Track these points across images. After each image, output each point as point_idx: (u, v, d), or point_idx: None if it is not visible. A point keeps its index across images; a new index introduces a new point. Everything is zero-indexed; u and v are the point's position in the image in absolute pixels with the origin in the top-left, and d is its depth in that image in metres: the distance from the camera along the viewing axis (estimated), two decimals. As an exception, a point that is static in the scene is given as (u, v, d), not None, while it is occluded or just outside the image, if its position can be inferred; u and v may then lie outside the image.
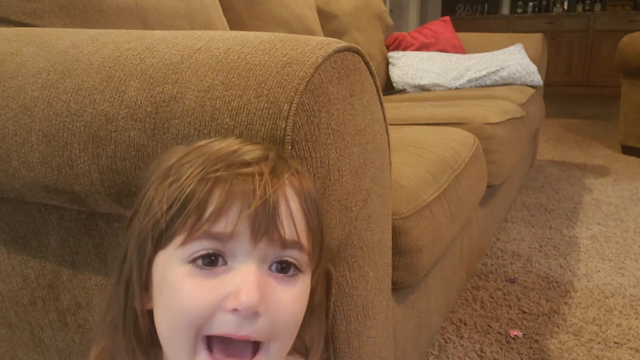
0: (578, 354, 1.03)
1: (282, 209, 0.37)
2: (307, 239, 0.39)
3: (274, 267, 0.38)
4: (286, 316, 0.37)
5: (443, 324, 1.15)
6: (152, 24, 0.91)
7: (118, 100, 0.50)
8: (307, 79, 0.45)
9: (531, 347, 1.06)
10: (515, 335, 1.10)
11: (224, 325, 0.36)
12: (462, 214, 0.93)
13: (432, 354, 1.04)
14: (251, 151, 0.39)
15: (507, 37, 2.46)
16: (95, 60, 0.54)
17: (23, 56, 0.58)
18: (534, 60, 2.26)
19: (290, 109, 0.44)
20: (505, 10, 5.99)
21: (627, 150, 2.75)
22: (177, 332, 0.37)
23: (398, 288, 0.75)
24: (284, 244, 0.37)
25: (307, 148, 0.45)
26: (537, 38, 2.40)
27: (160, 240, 0.38)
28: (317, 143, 0.46)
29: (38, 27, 0.75)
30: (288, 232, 0.37)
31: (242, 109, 0.45)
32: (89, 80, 0.53)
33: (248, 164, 0.37)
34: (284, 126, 0.44)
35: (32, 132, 0.54)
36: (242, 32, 0.54)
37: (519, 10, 5.89)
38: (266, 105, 0.45)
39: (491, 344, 1.07)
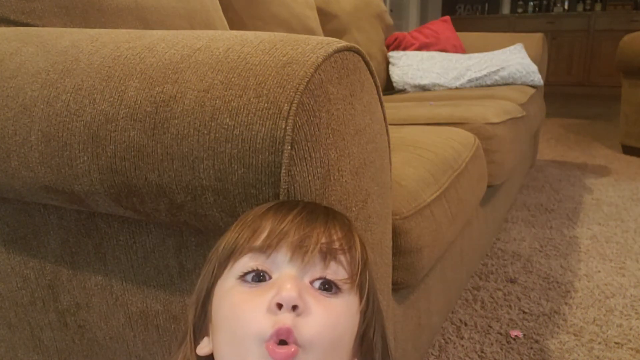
0: (579, 355, 1.03)
1: (318, 225, 0.41)
2: (345, 260, 0.42)
3: (316, 284, 0.40)
4: (321, 327, 0.38)
5: (443, 324, 1.15)
6: (151, 23, 0.91)
7: (118, 100, 0.50)
8: (307, 79, 0.45)
9: (532, 348, 1.06)
10: (516, 336, 1.10)
11: (273, 325, 0.38)
12: (462, 214, 0.93)
13: (432, 354, 1.04)
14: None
15: (508, 36, 2.45)
16: (94, 60, 0.54)
17: (23, 56, 0.58)
18: (534, 60, 2.26)
19: (290, 108, 0.44)
20: (506, 10, 5.99)
21: (628, 150, 2.75)
22: (238, 346, 0.39)
23: (398, 288, 0.75)
24: (323, 255, 0.40)
25: (307, 148, 0.45)
26: (537, 38, 2.40)
27: (219, 270, 0.43)
28: (317, 143, 0.46)
29: (38, 26, 0.75)
30: (329, 247, 0.40)
31: (242, 109, 0.45)
32: (88, 80, 0.52)
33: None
34: (284, 126, 0.44)
35: (31, 132, 0.54)
36: (242, 32, 0.53)
37: (520, 10, 5.88)
38: (266, 105, 0.45)
39: (491, 344, 1.07)
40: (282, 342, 0.37)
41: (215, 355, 0.41)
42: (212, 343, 0.42)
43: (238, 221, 0.44)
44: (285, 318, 0.37)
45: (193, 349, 0.44)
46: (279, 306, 0.38)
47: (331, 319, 0.39)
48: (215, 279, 0.43)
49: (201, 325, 0.44)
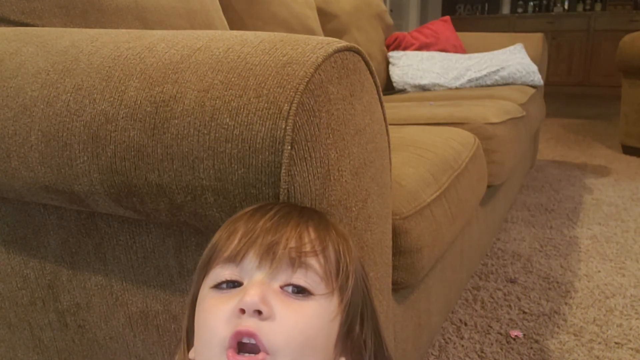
0: (579, 355, 1.03)
1: (288, 229, 0.41)
2: (318, 262, 0.41)
3: (287, 288, 0.40)
4: (289, 331, 0.38)
5: (443, 324, 1.15)
6: (151, 23, 0.91)
7: (118, 100, 0.50)
8: (307, 79, 0.45)
9: (532, 348, 1.06)
10: (516, 336, 1.10)
11: (233, 328, 0.38)
12: (462, 214, 0.93)
13: (432, 354, 1.04)
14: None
15: (508, 36, 2.45)
16: (94, 60, 0.54)
17: (22, 56, 0.58)
18: (534, 60, 2.26)
19: (290, 108, 0.44)
20: (506, 9, 5.99)
21: (628, 150, 2.75)
22: (208, 353, 0.39)
23: (398, 288, 0.75)
24: (293, 260, 0.40)
25: (307, 148, 0.45)
26: (537, 38, 2.40)
27: (199, 278, 0.44)
28: (317, 143, 0.46)
29: (37, 26, 0.75)
30: (299, 252, 0.40)
31: (242, 109, 0.45)
32: (88, 80, 0.52)
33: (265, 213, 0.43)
34: (284, 126, 0.44)
35: (31, 132, 0.54)
36: (242, 32, 0.53)
37: (520, 10, 5.88)
38: (266, 105, 0.45)
39: (491, 344, 1.07)
40: (245, 351, 0.37)
41: None
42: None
43: (222, 226, 0.44)
44: (248, 321, 0.37)
45: (186, 353, 0.45)
46: (242, 311, 0.38)
47: (300, 322, 0.39)
48: (198, 286, 0.43)
49: (192, 336, 0.44)
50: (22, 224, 0.66)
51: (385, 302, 0.64)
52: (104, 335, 0.67)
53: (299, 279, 0.40)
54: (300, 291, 0.40)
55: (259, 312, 0.37)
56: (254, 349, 0.37)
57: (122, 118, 0.50)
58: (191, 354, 0.44)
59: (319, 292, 0.40)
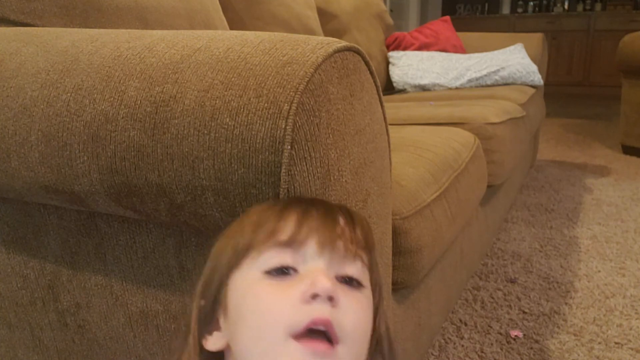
0: (579, 355, 1.03)
1: (341, 223, 0.41)
2: (366, 256, 0.42)
3: (341, 280, 0.40)
4: (353, 319, 0.38)
5: (443, 324, 1.15)
6: (151, 23, 0.91)
7: (118, 100, 0.50)
8: (307, 79, 0.45)
9: (532, 348, 1.06)
10: (516, 336, 1.10)
11: (309, 315, 0.36)
12: (462, 214, 0.93)
13: (432, 354, 1.04)
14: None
15: (508, 36, 2.45)
16: (94, 59, 0.54)
17: (23, 56, 0.58)
18: (534, 60, 2.26)
19: (290, 108, 0.44)
20: (506, 9, 5.99)
21: (628, 150, 2.75)
22: (265, 340, 0.37)
23: (398, 288, 0.75)
24: (347, 251, 0.40)
25: (307, 148, 0.45)
26: (537, 38, 2.40)
27: (235, 260, 0.41)
28: (317, 143, 0.46)
29: (37, 26, 0.75)
30: (350, 243, 0.41)
31: (242, 109, 0.45)
32: (88, 80, 0.52)
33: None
34: (284, 126, 0.44)
35: (31, 132, 0.54)
36: (242, 32, 0.53)
37: (520, 10, 5.88)
38: (266, 105, 0.45)
39: (491, 344, 1.07)
40: (313, 334, 0.36)
41: (237, 352, 0.40)
42: (226, 339, 0.41)
43: (242, 218, 0.43)
44: (323, 308, 0.36)
45: (196, 344, 0.42)
46: (314, 297, 0.37)
47: (360, 312, 0.39)
48: (231, 268, 0.41)
49: (209, 320, 0.42)
50: (22, 224, 0.66)
51: (385, 302, 0.64)
52: (104, 335, 0.67)
53: (355, 271, 0.40)
54: (351, 283, 0.40)
55: (331, 299, 0.37)
56: (323, 337, 0.37)
57: (122, 118, 0.50)
58: (211, 345, 0.42)
59: (366, 284, 0.41)
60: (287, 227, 0.40)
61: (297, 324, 0.36)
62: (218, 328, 0.42)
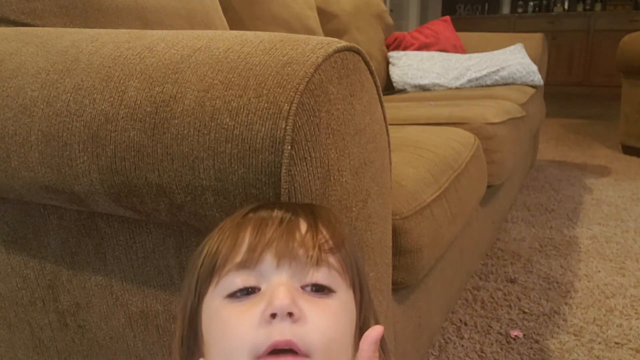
0: (579, 355, 1.03)
1: (302, 229, 0.40)
2: (335, 259, 0.40)
3: (307, 288, 0.39)
4: (322, 328, 0.37)
5: (443, 324, 1.15)
6: (151, 23, 0.91)
7: (118, 100, 0.50)
8: (307, 79, 0.45)
9: (532, 348, 1.06)
10: (516, 336, 1.10)
11: (269, 338, 0.36)
12: (462, 214, 0.93)
13: (432, 354, 1.04)
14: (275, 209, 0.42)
15: (508, 36, 2.45)
16: (94, 59, 0.54)
17: (23, 56, 0.58)
18: (534, 60, 2.26)
19: (290, 108, 0.44)
20: (506, 9, 5.99)
21: (628, 150, 2.75)
22: None
23: (398, 288, 0.75)
24: (309, 259, 0.39)
25: (307, 148, 0.45)
26: (537, 38, 2.40)
27: (201, 289, 0.41)
28: (317, 143, 0.46)
29: (38, 26, 0.75)
30: (312, 249, 0.39)
31: (242, 109, 0.45)
32: (88, 80, 0.52)
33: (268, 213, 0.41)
34: (284, 126, 0.44)
35: (31, 132, 0.54)
36: (242, 32, 0.53)
37: (520, 10, 5.88)
38: (266, 105, 0.45)
39: (491, 344, 1.07)
40: (277, 353, 0.36)
41: None
42: None
43: (216, 230, 0.42)
44: (282, 328, 0.36)
45: None
46: (273, 316, 0.36)
47: (329, 320, 0.38)
48: (201, 297, 0.41)
49: (194, 346, 0.42)
50: (22, 224, 0.66)
51: (385, 302, 0.64)
52: (104, 335, 0.67)
53: (320, 277, 0.39)
54: (320, 289, 0.39)
55: (290, 315, 0.36)
56: (290, 352, 0.36)
57: (122, 118, 0.50)
58: None
59: (339, 288, 0.40)
60: (242, 247, 0.39)
61: (259, 347, 0.36)
62: (203, 354, 0.42)
